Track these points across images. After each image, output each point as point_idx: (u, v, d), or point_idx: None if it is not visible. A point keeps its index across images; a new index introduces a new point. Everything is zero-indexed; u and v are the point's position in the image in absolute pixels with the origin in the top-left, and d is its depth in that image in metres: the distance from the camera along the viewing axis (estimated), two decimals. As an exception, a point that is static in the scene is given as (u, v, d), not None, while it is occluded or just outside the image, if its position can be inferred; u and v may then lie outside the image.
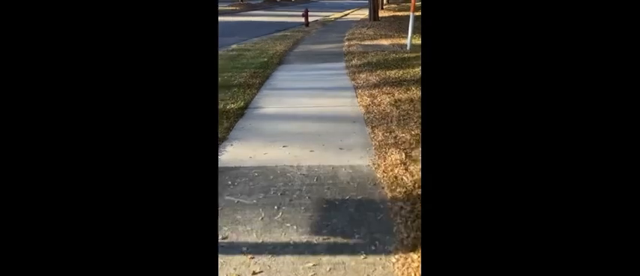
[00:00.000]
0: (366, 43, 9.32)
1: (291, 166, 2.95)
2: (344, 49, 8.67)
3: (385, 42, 9.39)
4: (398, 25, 12.26)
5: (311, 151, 3.23)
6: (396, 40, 9.47)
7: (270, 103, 4.60)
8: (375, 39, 9.86)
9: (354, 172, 2.85)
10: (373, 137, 3.48)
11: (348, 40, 10.00)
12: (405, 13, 16.83)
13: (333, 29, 13.25)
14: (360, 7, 28.86)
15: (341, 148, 3.27)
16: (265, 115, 4.20)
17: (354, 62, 6.99)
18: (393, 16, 15.92)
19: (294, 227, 2.19)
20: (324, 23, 15.60)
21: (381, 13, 14.43)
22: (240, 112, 4.18)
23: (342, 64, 6.96)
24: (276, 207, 2.40)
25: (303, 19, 14.73)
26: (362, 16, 18.68)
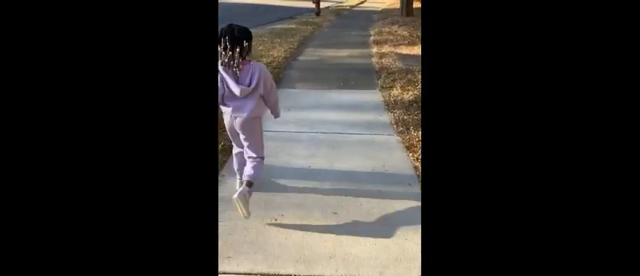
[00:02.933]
0: (403, 51, 6.47)
1: None
2: (374, 61, 5.83)
3: (431, 51, 6.55)
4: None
5: None
6: (446, 50, 6.65)
7: (244, 263, 1.82)
8: (415, 45, 7.00)
9: None
10: None
11: (377, 43, 7.13)
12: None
13: (351, 22, 10.34)
14: (377, -7, 25.71)
15: None
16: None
17: (396, 93, 4.18)
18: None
19: None
20: (339, 13, 12.66)
21: (415, 4, 11.28)
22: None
23: (378, 97, 4.14)
24: None
25: (312, 5, 11.83)
26: (383, 6, 15.69)
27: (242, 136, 2.00)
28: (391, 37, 7.64)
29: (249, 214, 1.86)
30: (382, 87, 4.45)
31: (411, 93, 4.16)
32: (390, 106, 3.82)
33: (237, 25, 1.86)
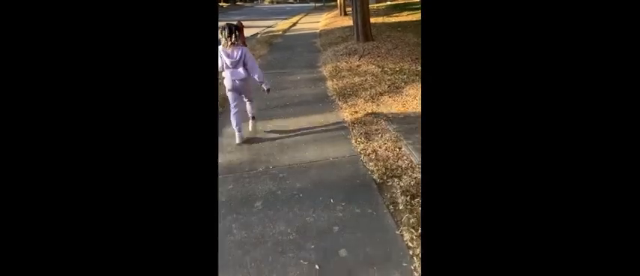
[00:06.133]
0: (392, 109, 3.88)
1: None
2: (358, 148, 3.12)
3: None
4: (415, 47, 6.86)
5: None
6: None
7: None
8: (401, 92, 4.45)
9: None
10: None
11: (342, 97, 4.45)
12: (406, 19, 11.36)
13: (291, 56, 7.66)
14: (308, 11, 23.13)
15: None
16: None
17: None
18: (385, 26, 10.20)
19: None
20: (270, 42, 9.95)
21: (373, 20, 8.62)
22: None
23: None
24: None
25: (236, 38, 8.98)
26: (320, 26, 13.24)
27: (243, 94, 3.37)
28: (358, 80, 5.05)
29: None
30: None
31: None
32: None
33: (232, 23, 3.17)
